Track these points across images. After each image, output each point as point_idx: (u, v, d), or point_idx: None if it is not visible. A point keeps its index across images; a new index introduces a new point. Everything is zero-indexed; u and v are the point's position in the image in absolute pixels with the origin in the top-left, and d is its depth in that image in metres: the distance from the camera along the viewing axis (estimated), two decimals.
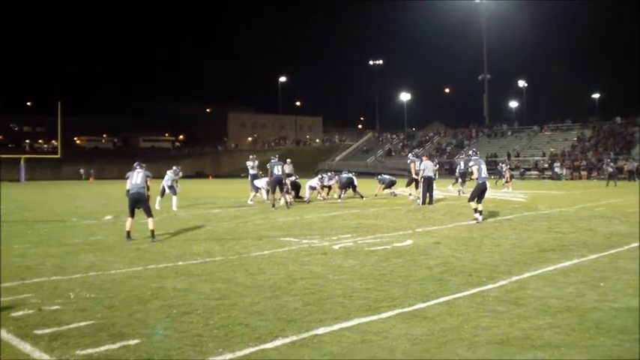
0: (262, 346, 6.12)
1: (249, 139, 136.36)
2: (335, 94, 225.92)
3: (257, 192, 28.70)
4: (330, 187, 30.38)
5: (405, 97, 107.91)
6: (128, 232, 14.59)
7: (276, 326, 6.80)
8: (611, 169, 45.01)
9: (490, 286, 8.77)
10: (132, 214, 14.67)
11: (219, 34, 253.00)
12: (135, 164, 15.33)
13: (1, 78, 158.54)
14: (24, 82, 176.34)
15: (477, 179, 17.49)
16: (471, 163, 18.33)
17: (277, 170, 24.56)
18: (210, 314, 7.36)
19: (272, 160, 25.26)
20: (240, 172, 35.17)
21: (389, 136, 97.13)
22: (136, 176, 14.86)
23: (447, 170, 72.00)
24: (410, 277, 9.51)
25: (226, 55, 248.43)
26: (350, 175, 30.64)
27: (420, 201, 25.04)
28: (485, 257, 11.37)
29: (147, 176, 15.04)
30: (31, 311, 7.72)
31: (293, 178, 29.24)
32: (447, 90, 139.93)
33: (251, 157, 30.70)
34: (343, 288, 8.78)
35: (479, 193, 17.41)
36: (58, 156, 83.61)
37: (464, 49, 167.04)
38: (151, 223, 14.62)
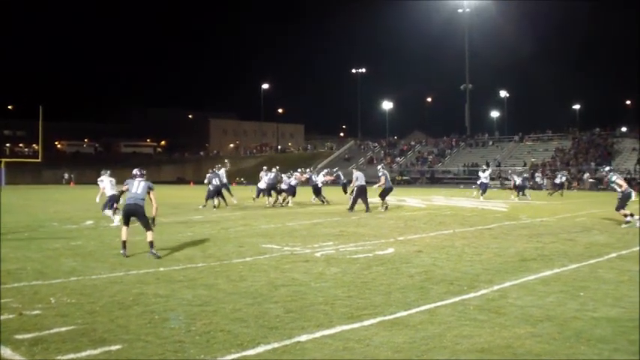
0: (244, 353, 6.11)
1: (231, 145, 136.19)
2: (317, 102, 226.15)
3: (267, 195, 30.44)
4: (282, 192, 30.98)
5: (387, 105, 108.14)
6: (124, 243, 13.00)
7: (258, 333, 6.80)
8: (559, 181, 45.07)
9: (471, 295, 8.81)
10: (127, 223, 13.22)
11: (202, 41, 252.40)
12: (135, 171, 14.40)
13: None
14: (4, 85, 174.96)
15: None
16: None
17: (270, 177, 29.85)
18: (192, 320, 7.34)
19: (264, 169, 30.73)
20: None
21: (371, 144, 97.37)
22: (137, 186, 13.42)
23: (428, 179, 72.46)
24: (392, 285, 9.53)
25: (208, 61, 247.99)
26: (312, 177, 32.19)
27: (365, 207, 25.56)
28: (467, 266, 11.42)
29: (149, 188, 13.55)
30: (11, 316, 7.66)
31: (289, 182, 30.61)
32: (429, 99, 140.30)
33: (264, 168, 32.38)
34: (325, 296, 8.78)
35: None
36: (39, 160, 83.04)
37: (446, 59, 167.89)
38: (150, 235, 13.04)
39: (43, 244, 15.03)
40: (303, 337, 6.62)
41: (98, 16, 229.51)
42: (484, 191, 34.69)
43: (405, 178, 73.83)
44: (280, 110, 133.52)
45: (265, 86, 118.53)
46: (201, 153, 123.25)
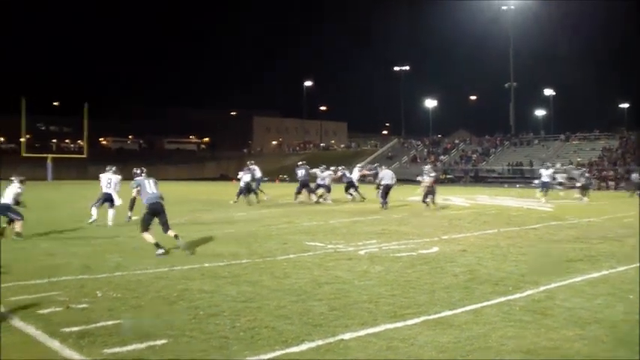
0: (288, 350, 6.13)
1: (274, 143, 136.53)
2: (361, 100, 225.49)
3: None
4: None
5: (430, 103, 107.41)
6: (157, 243, 12.80)
7: (302, 330, 6.80)
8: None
9: (517, 296, 8.71)
10: (150, 223, 13.21)
11: (246, 38, 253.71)
12: (138, 171, 14.82)
13: (28, 79, 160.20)
14: (51, 82, 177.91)
15: None
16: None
17: (301, 174, 29.56)
18: (236, 317, 7.38)
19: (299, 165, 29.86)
20: (265, 176, 35.32)
21: (414, 142, 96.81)
22: (152, 185, 13.49)
23: (472, 178, 71.84)
24: (436, 285, 9.47)
25: (252, 59, 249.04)
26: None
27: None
28: (512, 266, 11.28)
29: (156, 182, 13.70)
30: (59, 309, 7.79)
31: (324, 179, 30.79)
32: (473, 97, 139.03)
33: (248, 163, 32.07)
34: (369, 294, 8.75)
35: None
36: (84, 156, 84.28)
37: (490, 57, 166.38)
38: (171, 231, 13.19)
39: (90, 239, 15.23)
40: (347, 335, 6.61)
41: (145, 17, 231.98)
42: (546, 190, 33.26)
43: (448, 176, 73.25)
44: (323, 108, 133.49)
45: (308, 84, 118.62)
46: (244, 150, 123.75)
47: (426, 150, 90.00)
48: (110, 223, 18.59)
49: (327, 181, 30.60)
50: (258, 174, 30.37)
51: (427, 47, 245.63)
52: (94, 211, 19.21)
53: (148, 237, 13.05)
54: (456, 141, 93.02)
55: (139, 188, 13.51)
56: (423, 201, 25.16)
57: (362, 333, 6.71)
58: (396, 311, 7.70)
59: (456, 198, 34.66)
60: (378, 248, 13.60)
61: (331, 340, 6.46)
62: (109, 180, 18.27)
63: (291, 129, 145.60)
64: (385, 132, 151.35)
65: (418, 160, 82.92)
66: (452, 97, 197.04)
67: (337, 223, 19.73)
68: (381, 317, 7.40)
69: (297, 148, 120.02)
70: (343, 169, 34.54)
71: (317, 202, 29.75)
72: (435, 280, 9.82)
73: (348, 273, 10.48)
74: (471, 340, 6.43)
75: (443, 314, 7.58)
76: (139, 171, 14.94)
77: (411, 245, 14.12)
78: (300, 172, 30.42)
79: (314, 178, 30.95)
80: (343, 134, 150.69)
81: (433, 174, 25.60)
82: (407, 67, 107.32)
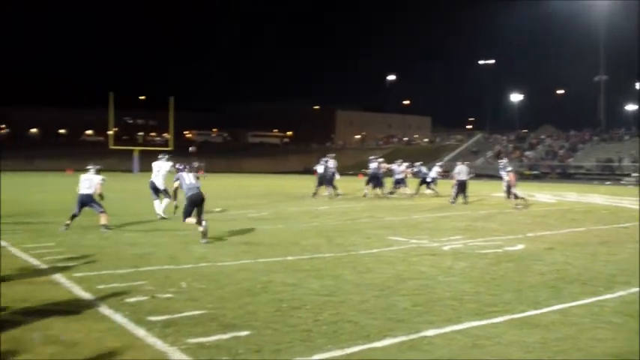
0: (371, 345, 6.09)
1: (357, 137, 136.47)
2: (444, 94, 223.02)
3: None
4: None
5: (516, 97, 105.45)
6: (203, 232, 13.46)
7: (385, 325, 6.76)
8: None
9: (607, 296, 8.43)
10: (192, 213, 13.85)
11: (328, 32, 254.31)
12: (180, 166, 15.39)
13: (115, 73, 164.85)
14: (138, 76, 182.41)
15: None
16: None
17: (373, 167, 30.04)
18: (319, 310, 7.39)
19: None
20: (347, 170, 35.13)
21: (499, 137, 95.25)
22: (190, 177, 14.36)
23: (559, 174, 70.18)
24: (522, 283, 9.27)
25: (336, 53, 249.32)
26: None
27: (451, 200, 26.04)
28: (601, 266, 10.94)
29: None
30: (145, 298, 7.96)
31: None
32: (560, 91, 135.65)
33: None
34: (453, 290, 8.64)
35: None
36: (170, 149, 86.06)
37: (579, 49, 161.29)
38: (204, 223, 13.62)
39: (174, 230, 15.52)
40: (431, 332, 6.53)
41: (230, 12, 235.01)
42: None
43: (534, 172, 71.80)
44: (406, 102, 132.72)
45: (391, 78, 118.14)
46: (327, 144, 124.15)
47: (511, 145, 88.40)
48: (162, 214, 18.53)
49: (403, 176, 30.55)
50: (332, 167, 30.30)
51: (513, 40, 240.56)
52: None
53: (191, 221, 13.80)
54: (542, 136, 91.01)
55: (179, 181, 14.49)
56: (509, 197, 24.70)
57: (446, 330, 6.62)
58: (480, 309, 7.57)
59: (542, 195, 33.96)
60: (462, 244, 13.43)
61: (414, 336, 6.40)
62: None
63: (374, 123, 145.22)
64: (469, 126, 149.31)
65: (503, 156, 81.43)
66: (538, 91, 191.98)
67: (421, 218, 19.60)
68: (466, 314, 7.29)
69: (380, 142, 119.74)
70: (421, 164, 34.29)
71: (387, 196, 29.96)
72: (521, 279, 9.61)
73: (432, 269, 10.38)
74: (558, 342, 6.26)
75: (529, 313, 7.40)
76: (181, 166, 15.35)
77: (497, 242, 13.88)
78: (372, 166, 30.49)
79: (391, 172, 31.02)
80: (426, 128, 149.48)
81: (509, 168, 25.10)
82: (492, 61, 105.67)
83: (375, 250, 12.42)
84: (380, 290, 8.60)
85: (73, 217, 15.15)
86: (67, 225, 14.88)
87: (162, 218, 18.01)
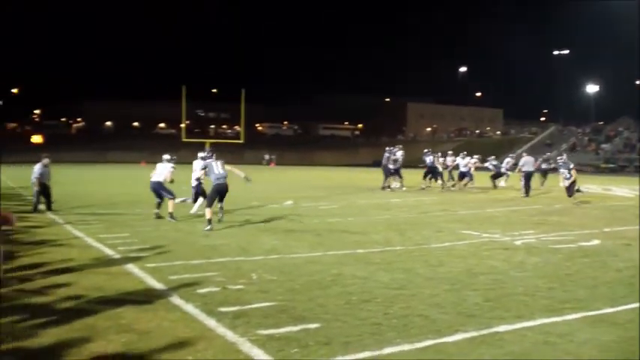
0: (441, 340, 6.04)
1: (428, 129, 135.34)
2: (517, 86, 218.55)
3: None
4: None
5: (592, 89, 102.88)
6: (210, 220, 14.14)
7: (456, 320, 6.70)
8: None
9: None
10: (212, 204, 14.58)
11: (399, 25, 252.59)
12: (207, 154, 15.91)
13: (188, 67, 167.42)
14: (209, 70, 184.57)
15: None
16: None
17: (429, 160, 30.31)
18: (389, 303, 7.36)
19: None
20: (419, 163, 34.71)
21: (574, 129, 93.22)
22: (218, 166, 14.91)
23: (637, 167, 68.20)
24: (597, 279, 9.04)
25: (407, 45, 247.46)
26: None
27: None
28: None
29: (223, 163, 15.22)
30: (216, 289, 8.07)
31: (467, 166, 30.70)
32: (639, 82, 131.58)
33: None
34: (525, 286, 8.50)
35: None
36: (241, 141, 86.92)
37: None
38: (221, 205, 15.32)
39: (245, 222, 15.70)
40: (502, 328, 6.44)
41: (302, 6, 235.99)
42: None
43: (610, 165, 70.09)
44: (478, 94, 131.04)
45: (463, 69, 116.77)
46: (398, 137, 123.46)
47: (586, 138, 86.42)
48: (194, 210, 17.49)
49: (467, 169, 30.24)
50: (394, 158, 30.09)
51: (588, 29, 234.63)
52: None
53: (209, 212, 14.25)
54: (620, 128, 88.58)
55: (206, 169, 15.03)
56: (577, 191, 23.86)
57: (518, 326, 6.52)
58: (553, 305, 7.42)
59: (619, 189, 33.11)
60: (535, 239, 13.19)
61: (485, 331, 6.32)
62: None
63: (446, 115, 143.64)
64: (543, 119, 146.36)
65: (578, 148, 79.79)
66: (615, 82, 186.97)
67: (494, 211, 19.33)
68: (538, 311, 7.16)
69: (452, 134, 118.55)
70: (493, 159, 33.77)
71: (452, 187, 30.26)
72: (597, 275, 9.38)
73: (504, 263, 10.24)
74: (635, 341, 6.08)
75: (604, 311, 7.21)
76: (209, 154, 15.91)
77: (571, 237, 13.58)
78: (428, 159, 30.54)
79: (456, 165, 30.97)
80: (499, 121, 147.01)
81: (572, 165, 24.23)
82: (566, 51, 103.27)
83: (446, 244, 12.32)
84: (451, 284, 8.53)
85: (159, 204, 15.88)
86: (157, 213, 15.65)
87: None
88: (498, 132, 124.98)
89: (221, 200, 15.16)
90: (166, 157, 16.32)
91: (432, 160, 30.18)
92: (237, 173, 15.76)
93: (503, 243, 12.56)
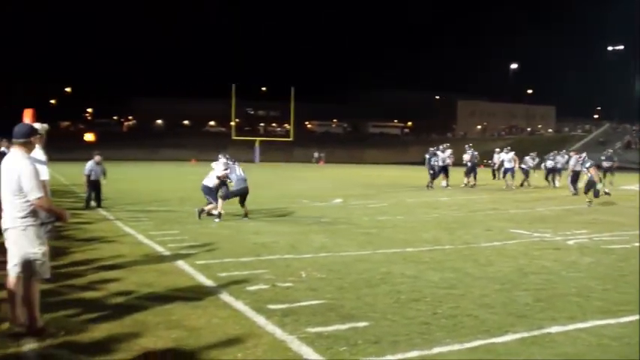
0: (491, 340, 5.98)
1: (478, 127, 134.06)
2: (570, 83, 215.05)
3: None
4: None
5: None
6: (220, 214, 15.17)
7: (506, 320, 6.62)
8: None
9: None
10: (226, 200, 15.57)
11: (449, 21, 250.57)
12: (227, 156, 16.22)
13: (238, 66, 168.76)
14: (259, 67, 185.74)
15: None
16: None
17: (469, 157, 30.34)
18: (438, 303, 7.31)
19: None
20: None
21: (629, 127, 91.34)
22: (239, 169, 15.86)
23: None
24: None
25: (457, 42, 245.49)
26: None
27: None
28: None
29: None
30: (265, 286, 8.10)
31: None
32: None
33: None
34: (578, 286, 8.35)
35: None
36: (291, 139, 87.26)
37: None
38: (245, 208, 15.76)
39: (295, 219, 15.77)
40: (554, 329, 6.34)
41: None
42: None
43: None
44: (530, 91, 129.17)
45: (514, 66, 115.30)
46: (448, 135, 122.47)
47: None
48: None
49: (512, 165, 29.91)
50: (440, 157, 29.89)
51: None
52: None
53: (221, 205, 15.22)
54: None
55: (228, 170, 15.71)
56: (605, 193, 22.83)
57: (570, 327, 6.41)
58: (607, 307, 7.27)
59: None
60: (588, 239, 12.95)
61: (536, 332, 6.23)
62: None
63: (497, 113, 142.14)
64: (596, 116, 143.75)
65: (633, 146, 78.13)
66: None
67: (545, 210, 19.05)
68: (591, 312, 7.03)
69: (503, 132, 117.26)
70: (555, 154, 33.18)
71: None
72: None
73: (555, 263, 10.08)
74: None
75: None
76: (227, 156, 16.40)
77: (625, 237, 13.28)
78: (467, 157, 30.65)
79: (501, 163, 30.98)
80: (551, 118, 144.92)
81: (588, 164, 23.45)
82: (621, 47, 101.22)
83: (496, 243, 12.19)
84: (501, 284, 8.43)
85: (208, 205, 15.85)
86: (200, 211, 15.53)
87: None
88: (550, 129, 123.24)
89: (243, 201, 15.80)
90: (225, 155, 16.43)
91: (472, 157, 30.40)
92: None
93: (554, 242, 12.37)
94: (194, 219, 15.16)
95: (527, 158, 31.58)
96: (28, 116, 12.34)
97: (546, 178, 31.67)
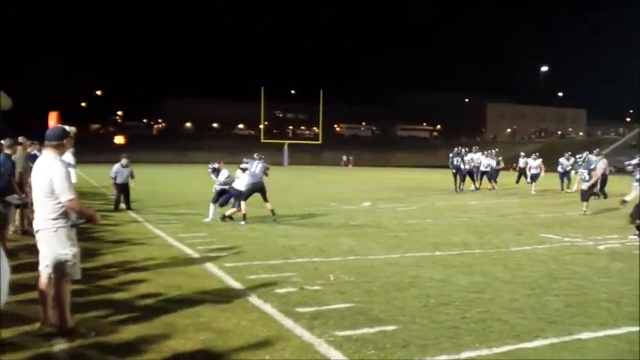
0: (521, 345, 5.94)
1: (508, 130, 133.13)
2: (601, 85, 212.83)
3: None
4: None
5: None
6: (244, 215, 15.24)
7: (536, 326, 6.57)
8: None
9: None
10: (246, 199, 15.52)
11: (479, 24, 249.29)
12: (255, 155, 16.15)
13: (266, 68, 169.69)
14: (288, 70, 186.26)
15: None
16: None
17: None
18: (467, 307, 7.28)
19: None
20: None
21: None
22: (256, 165, 15.70)
23: None
24: None
25: (486, 44, 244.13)
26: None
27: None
28: None
29: (265, 168, 15.98)
30: (293, 289, 8.12)
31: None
32: None
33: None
34: (609, 292, 8.26)
35: None
36: (320, 142, 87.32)
37: None
38: (269, 204, 15.67)
39: (323, 222, 15.77)
40: (585, 335, 6.28)
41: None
42: None
43: None
44: (560, 94, 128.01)
45: (544, 69, 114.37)
46: (478, 138, 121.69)
47: None
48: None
49: (538, 171, 29.61)
50: (467, 159, 29.79)
51: None
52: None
53: (244, 208, 15.26)
54: None
55: (247, 164, 15.94)
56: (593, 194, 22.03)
57: (601, 334, 6.34)
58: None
59: None
60: (619, 244, 12.80)
61: (567, 338, 6.17)
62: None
63: (527, 116, 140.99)
64: (628, 119, 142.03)
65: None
66: None
67: (576, 215, 18.83)
68: (623, 318, 6.94)
69: (533, 135, 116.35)
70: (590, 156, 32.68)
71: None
72: None
73: (586, 268, 9.97)
74: None
75: None
76: (262, 156, 16.33)
77: None
78: (494, 161, 30.88)
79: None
80: (581, 122, 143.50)
81: (594, 165, 22.84)
82: None
83: (526, 248, 12.10)
84: (531, 289, 8.36)
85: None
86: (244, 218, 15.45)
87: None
88: (581, 133, 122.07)
89: (265, 200, 15.78)
90: (259, 155, 16.50)
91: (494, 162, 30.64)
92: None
93: (585, 247, 12.24)
94: (222, 221, 15.24)
95: (562, 160, 30.59)
96: (53, 119, 12.50)
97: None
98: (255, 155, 16.15)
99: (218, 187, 16.20)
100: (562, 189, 29.62)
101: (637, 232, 13.57)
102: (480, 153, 30.92)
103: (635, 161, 18.80)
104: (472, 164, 29.60)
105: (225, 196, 16.22)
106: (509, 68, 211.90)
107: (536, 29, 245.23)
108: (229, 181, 16.02)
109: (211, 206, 15.96)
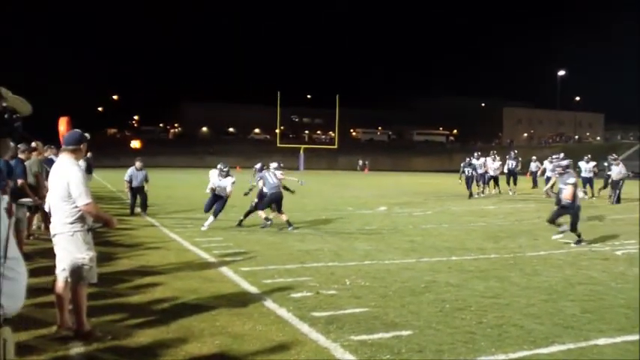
0: (537, 351, 5.93)
1: (525, 135, 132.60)
2: (619, 89, 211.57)
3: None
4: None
5: None
6: (267, 218, 15.36)
7: (552, 331, 6.55)
8: None
9: None
10: (264, 209, 15.60)
11: (497, 28, 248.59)
12: (258, 166, 16.29)
13: (282, 73, 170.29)
14: (304, 75, 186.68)
15: None
16: None
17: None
18: (483, 312, 7.27)
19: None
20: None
21: None
22: (273, 176, 15.64)
23: None
24: None
25: (502, 49, 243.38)
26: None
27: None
28: None
29: (281, 175, 16.20)
30: (309, 294, 8.14)
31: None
32: None
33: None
34: (626, 298, 8.21)
35: None
36: (335, 147, 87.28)
37: None
38: (284, 216, 15.23)
39: (339, 227, 15.78)
40: (601, 341, 6.26)
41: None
42: None
43: None
44: (578, 98, 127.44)
45: (562, 73, 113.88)
46: (494, 143, 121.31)
47: None
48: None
49: (552, 174, 29.41)
50: (479, 163, 29.84)
51: None
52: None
53: (262, 214, 15.39)
54: None
55: (262, 180, 15.62)
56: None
57: (618, 340, 6.31)
58: None
59: None
60: (636, 249, 12.68)
61: (584, 344, 6.15)
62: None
63: (544, 120, 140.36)
64: None
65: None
66: None
67: (592, 220, 18.72)
68: None
69: (550, 140, 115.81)
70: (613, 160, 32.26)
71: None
72: None
73: (603, 274, 9.92)
74: None
75: None
76: (259, 166, 16.32)
77: None
78: (511, 163, 31.79)
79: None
80: (599, 126, 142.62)
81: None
82: None
83: (542, 253, 12.05)
84: (547, 294, 8.33)
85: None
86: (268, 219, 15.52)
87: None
88: (598, 137, 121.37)
89: (279, 208, 15.49)
90: (278, 163, 16.69)
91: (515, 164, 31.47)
92: (289, 179, 16.91)
93: (602, 253, 12.17)
94: (238, 226, 15.28)
95: (581, 163, 29.67)
96: (63, 124, 12.56)
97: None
98: (271, 164, 16.19)
99: (211, 190, 15.68)
100: (585, 194, 28.95)
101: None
102: (489, 157, 30.79)
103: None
104: (484, 168, 29.55)
105: (219, 203, 15.41)
106: (526, 73, 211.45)
107: (553, 34, 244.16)
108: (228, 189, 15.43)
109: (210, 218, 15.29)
